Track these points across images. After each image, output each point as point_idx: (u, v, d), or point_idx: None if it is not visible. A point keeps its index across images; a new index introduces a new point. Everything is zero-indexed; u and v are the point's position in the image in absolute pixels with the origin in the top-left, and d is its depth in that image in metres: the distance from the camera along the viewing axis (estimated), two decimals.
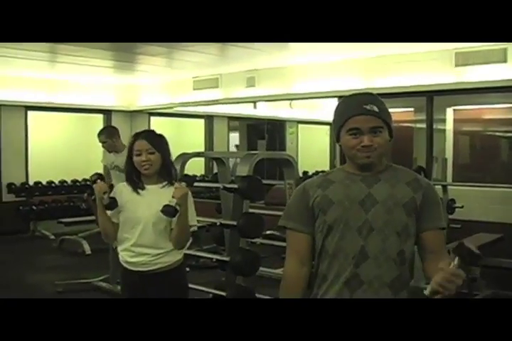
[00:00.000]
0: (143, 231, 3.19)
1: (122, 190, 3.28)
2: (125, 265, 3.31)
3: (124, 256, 3.29)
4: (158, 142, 3.27)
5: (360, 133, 2.03)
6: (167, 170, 3.28)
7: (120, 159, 5.67)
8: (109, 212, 3.24)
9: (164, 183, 3.26)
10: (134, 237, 3.21)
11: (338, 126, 2.09)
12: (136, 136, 3.28)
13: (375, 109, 2.03)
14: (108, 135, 6.04)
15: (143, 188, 3.25)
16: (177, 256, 3.30)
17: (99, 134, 6.10)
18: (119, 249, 3.34)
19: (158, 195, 3.20)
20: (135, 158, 3.22)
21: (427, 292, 1.78)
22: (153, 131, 3.44)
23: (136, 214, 3.20)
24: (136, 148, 3.22)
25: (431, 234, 2.09)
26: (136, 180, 3.26)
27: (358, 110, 2.04)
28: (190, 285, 4.55)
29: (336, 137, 2.13)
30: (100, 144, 6.07)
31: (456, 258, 1.77)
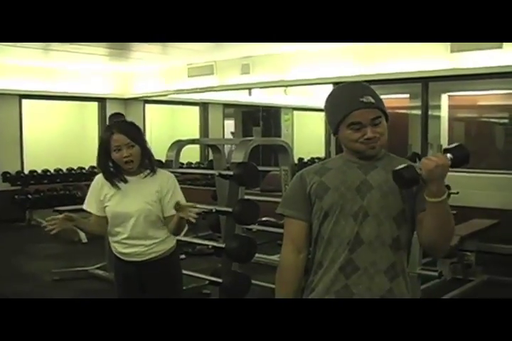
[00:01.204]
0: (135, 225, 3.15)
1: (104, 184, 3.19)
2: (119, 255, 3.28)
3: (117, 248, 3.26)
4: (135, 133, 3.15)
5: (362, 126, 2.03)
6: (148, 159, 3.19)
7: None
8: (94, 210, 3.22)
9: (146, 173, 3.18)
10: (126, 231, 3.17)
11: (336, 122, 2.08)
12: (111, 130, 3.13)
13: (371, 100, 2.04)
14: None
15: (125, 181, 3.16)
16: (170, 244, 3.30)
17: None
18: (110, 240, 3.31)
19: (142, 187, 3.15)
20: (115, 154, 3.09)
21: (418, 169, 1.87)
22: (126, 122, 3.33)
23: (125, 209, 3.14)
24: (115, 144, 3.07)
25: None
26: (116, 174, 3.16)
27: (355, 105, 2.04)
28: (187, 272, 4.58)
29: (333, 131, 2.13)
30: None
31: (448, 155, 1.87)
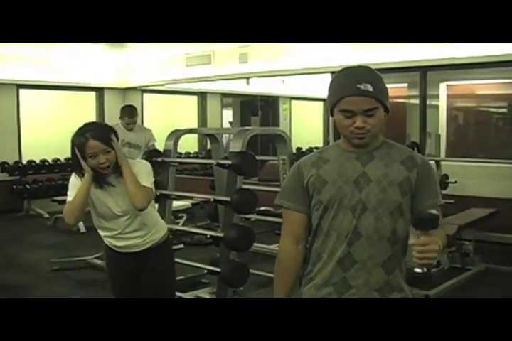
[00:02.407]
0: (127, 222, 3.15)
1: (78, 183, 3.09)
2: (113, 248, 3.28)
3: (112, 242, 3.25)
4: (109, 137, 3.01)
5: (354, 115, 1.98)
6: None
7: (131, 135, 6.42)
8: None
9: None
10: (119, 227, 3.16)
11: (331, 104, 2.04)
12: (84, 135, 2.96)
13: (369, 88, 1.96)
14: (137, 114, 6.60)
15: (108, 183, 3.09)
16: (162, 232, 3.33)
17: (134, 115, 6.52)
18: (102, 234, 3.27)
19: (123, 185, 3.07)
20: (91, 161, 2.97)
21: (417, 269, 1.83)
22: (99, 126, 3.19)
23: (113, 209, 3.10)
24: (90, 151, 2.95)
25: None
26: (96, 177, 3.05)
27: (351, 90, 1.97)
28: (186, 262, 4.59)
29: (329, 112, 2.10)
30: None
31: (417, 231, 1.84)
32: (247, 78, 10.76)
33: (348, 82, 2.00)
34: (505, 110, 9.51)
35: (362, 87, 1.96)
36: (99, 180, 3.07)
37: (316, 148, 11.43)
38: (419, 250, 1.81)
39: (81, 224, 8.31)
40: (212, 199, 4.56)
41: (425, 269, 1.82)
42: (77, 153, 3.00)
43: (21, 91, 10.20)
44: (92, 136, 2.95)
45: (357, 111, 1.97)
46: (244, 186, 4.55)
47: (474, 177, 7.48)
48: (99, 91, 11.22)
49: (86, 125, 3.07)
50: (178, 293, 4.47)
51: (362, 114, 1.97)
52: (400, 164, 2.06)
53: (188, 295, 4.75)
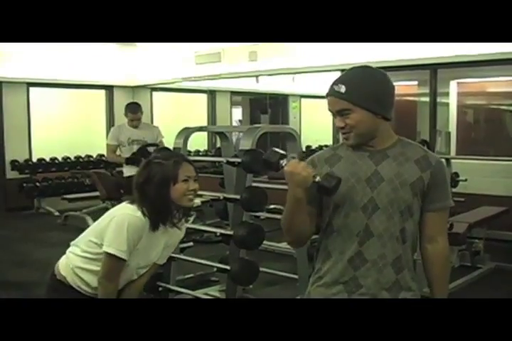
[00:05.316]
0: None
1: (147, 229, 2.68)
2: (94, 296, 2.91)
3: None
4: None
5: (334, 115, 2.04)
6: None
7: (137, 133, 6.49)
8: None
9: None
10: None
11: None
12: (173, 160, 2.62)
13: (342, 89, 1.98)
14: (142, 111, 6.64)
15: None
16: None
17: (137, 111, 6.58)
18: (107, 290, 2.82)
19: (169, 235, 2.81)
20: (181, 186, 2.60)
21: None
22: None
23: (155, 258, 2.84)
24: (186, 174, 2.61)
25: (435, 215, 2.10)
26: (170, 214, 2.67)
27: (328, 90, 2.04)
28: (195, 260, 4.59)
29: None
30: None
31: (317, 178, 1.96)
32: (257, 76, 10.75)
33: (333, 81, 2.05)
34: None
35: (336, 87, 2.00)
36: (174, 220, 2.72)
37: (326, 146, 11.39)
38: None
39: (91, 222, 8.32)
40: (221, 197, 4.55)
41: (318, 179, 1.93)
42: (163, 183, 2.59)
43: (31, 89, 10.23)
44: (185, 160, 2.70)
45: (332, 111, 2.03)
46: (254, 184, 4.55)
47: (485, 175, 7.45)
48: (109, 89, 11.24)
49: (175, 152, 2.87)
50: (187, 291, 4.48)
51: (337, 114, 2.02)
52: (413, 163, 2.06)
53: (197, 293, 4.75)
